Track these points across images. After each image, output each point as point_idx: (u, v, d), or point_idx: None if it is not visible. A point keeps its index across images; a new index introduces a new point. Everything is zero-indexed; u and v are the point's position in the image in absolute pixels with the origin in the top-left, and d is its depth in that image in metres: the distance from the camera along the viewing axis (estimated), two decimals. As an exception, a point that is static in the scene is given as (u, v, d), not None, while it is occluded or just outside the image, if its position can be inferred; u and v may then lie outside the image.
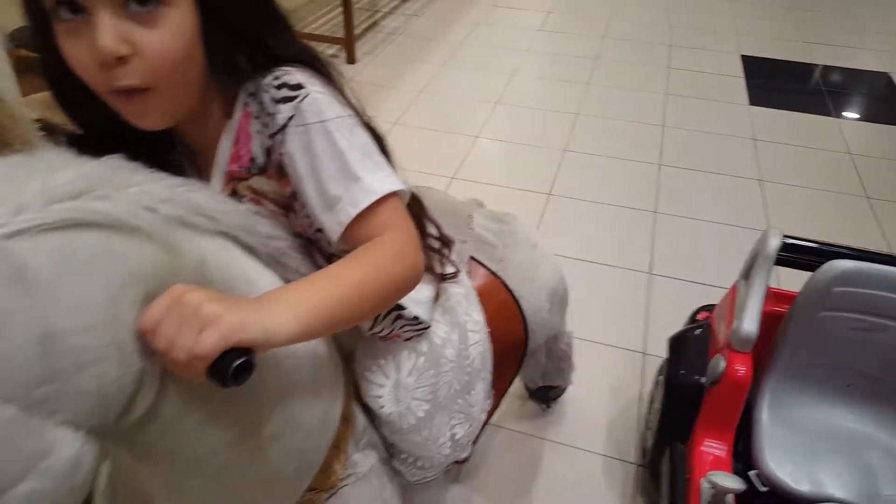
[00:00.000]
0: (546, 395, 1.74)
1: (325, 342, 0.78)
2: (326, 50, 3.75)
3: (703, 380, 1.33)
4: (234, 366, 0.51)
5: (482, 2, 4.62)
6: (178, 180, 0.58)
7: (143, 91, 0.61)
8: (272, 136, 0.67)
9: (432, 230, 0.89)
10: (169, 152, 0.74)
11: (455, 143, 2.88)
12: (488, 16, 4.42)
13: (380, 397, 0.85)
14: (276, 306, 0.55)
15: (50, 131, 0.90)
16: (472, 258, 1.19)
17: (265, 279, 0.65)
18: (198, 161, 0.74)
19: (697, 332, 1.47)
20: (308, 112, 0.65)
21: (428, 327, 0.88)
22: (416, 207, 0.83)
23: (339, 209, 0.65)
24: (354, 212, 0.65)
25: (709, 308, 1.58)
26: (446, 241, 0.92)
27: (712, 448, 1.29)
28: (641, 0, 4.83)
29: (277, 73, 0.66)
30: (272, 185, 0.71)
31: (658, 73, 3.66)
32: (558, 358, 1.58)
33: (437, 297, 0.90)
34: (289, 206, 0.72)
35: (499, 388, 1.23)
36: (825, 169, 2.83)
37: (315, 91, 0.66)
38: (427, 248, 0.88)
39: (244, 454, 0.67)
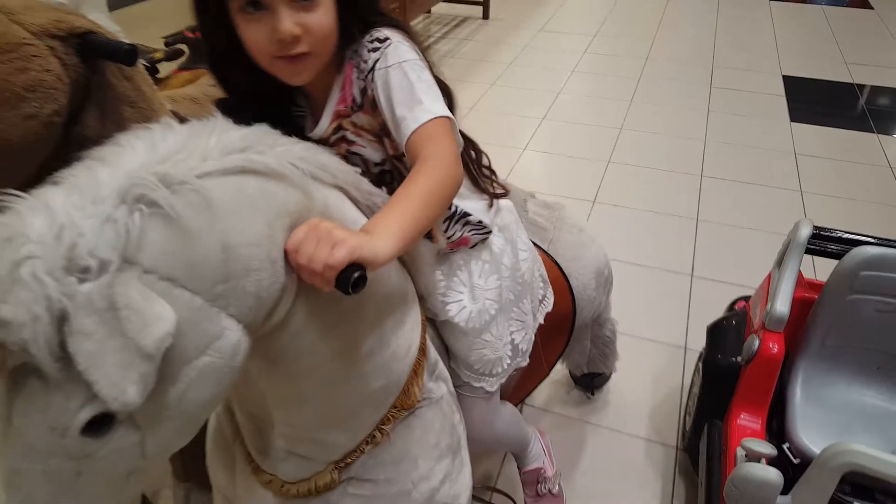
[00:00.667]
0: (591, 383, 1.86)
1: (408, 281, 0.94)
2: (381, 71, 3.98)
3: (739, 359, 1.44)
4: (355, 277, 0.65)
5: (530, 27, 4.82)
6: (309, 144, 0.75)
7: (306, 55, 0.81)
8: (365, 77, 0.85)
9: (484, 160, 1.07)
10: (292, 107, 0.95)
11: (504, 155, 3.05)
12: (536, 40, 4.61)
13: (460, 301, 1.03)
14: (377, 234, 0.69)
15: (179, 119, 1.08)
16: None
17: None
18: (314, 107, 0.93)
19: (734, 318, 1.58)
20: (390, 56, 0.84)
21: (489, 232, 1.06)
22: (470, 143, 1.02)
23: (404, 125, 0.81)
24: (414, 126, 0.81)
25: (745, 298, 1.69)
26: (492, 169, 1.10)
27: (747, 421, 1.39)
28: (684, 23, 4.97)
29: (373, 32, 0.86)
30: (368, 118, 0.88)
31: (700, 92, 3.78)
32: (603, 344, 1.70)
33: (492, 209, 1.07)
34: (381, 134, 0.90)
35: (549, 357, 1.37)
36: (865, 181, 2.89)
37: (396, 41, 0.85)
38: (480, 170, 1.05)
39: (346, 365, 0.81)
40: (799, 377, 1.43)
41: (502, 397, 1.24)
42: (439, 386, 0.99)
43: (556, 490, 1.43)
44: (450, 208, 1.00)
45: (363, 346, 0.81)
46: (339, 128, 0.91)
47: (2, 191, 0.57)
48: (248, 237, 0.63)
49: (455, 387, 1.07)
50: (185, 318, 0.58)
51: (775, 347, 1.36)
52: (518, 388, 1.36)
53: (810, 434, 1.33)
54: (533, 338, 1.17)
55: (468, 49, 4.40)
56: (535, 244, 1.30)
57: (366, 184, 0.83)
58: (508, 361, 1.10)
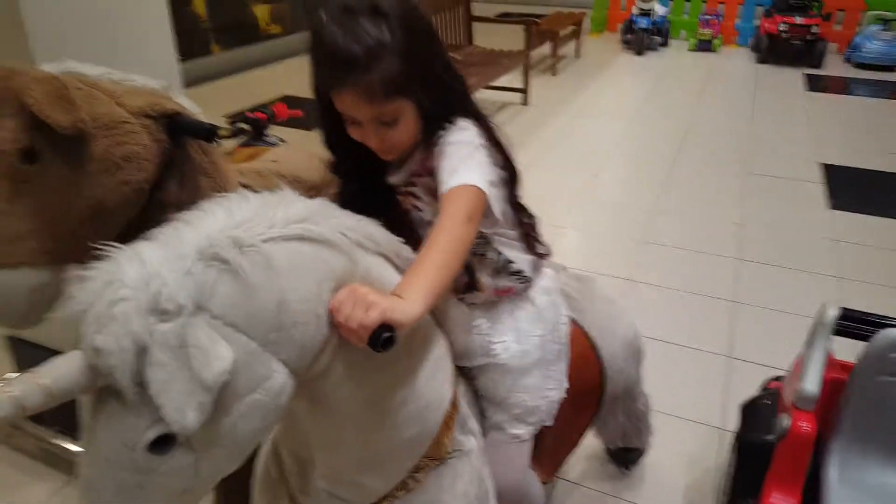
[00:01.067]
0: (625, 458, 1.87)
1: (441, 338, 1.03)
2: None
3: (772, 437, 1.45)
4: (384, 337, 0.75)
5: (567, 112, 5.03)
6: (361, 217, 0.87)
7: (390, 150, 1.02)
8: (435, 149, 1.01)
9: (535, 225, 1.19)
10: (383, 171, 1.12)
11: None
12: (573, 125, 4.79)
13: (505, 341, 1.12)
14: (407, 296, 0.79)
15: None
16: None
17: None
18: (399, 161, 1.09)
19: (767, 397, 1.59)
20: (452, 134, 1.00)
21: (530, 280, 1.16)
22: (522, 208, 1.16)
23: (440, 188, 0.96)
24: (445, 189, 0.95)
25: (779, 379, 1.70)
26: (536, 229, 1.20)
27: (780, 500, 1.38)
28: (719, 110, 5.12)
29: (452, 118, 1.02)
30: (432, 182, 1.03)
31: (735, 176, 3.86)
32: (636, 418, 1.72)
33: (535, 267, 1.18)
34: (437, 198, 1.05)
35: (578, 426, 1.40)
36: (906, 269, 2.88)
37: (462, 126, 1.01)
38: (526, 228, 1.17)
39: (381, 413, 0.90)
40: (832, 458, 1.43)
41: (536, 468, 1.28)
42: (469, 439, 1.06)
43: None
44: (499, 255, 1.12)
45: (397, 395, 0.90)
46: (411, 184, 1.08)
47: (104, 243, 0.69)
48: (300, 295, 0.74)
49: (488, 433, 1.13)
50: (241, 359, 0.68)
51: (806, 426, 1.37)
52: (550, 458, 1.39)
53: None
54: (558, 404, 1.22)
55: (508, 132, 4.57)
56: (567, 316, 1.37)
57: (406, 251, 0.94)
58: (542, 415, 1.16)
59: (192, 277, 0.67)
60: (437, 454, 0.99)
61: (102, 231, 0.99)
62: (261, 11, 6.72)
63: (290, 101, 3.66)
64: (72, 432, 1.86)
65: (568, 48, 6.70)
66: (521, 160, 4.00)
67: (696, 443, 1.97)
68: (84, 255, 1.02)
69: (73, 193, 0.98)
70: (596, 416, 1.45)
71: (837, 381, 1.49)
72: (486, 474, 1.10)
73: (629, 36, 6.96)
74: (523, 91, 5.15)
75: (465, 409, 1.09)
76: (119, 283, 0.65)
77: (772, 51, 6.30)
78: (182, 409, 0.63)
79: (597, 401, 1.42)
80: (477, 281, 1.13)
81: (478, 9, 5.65)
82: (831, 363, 1.52)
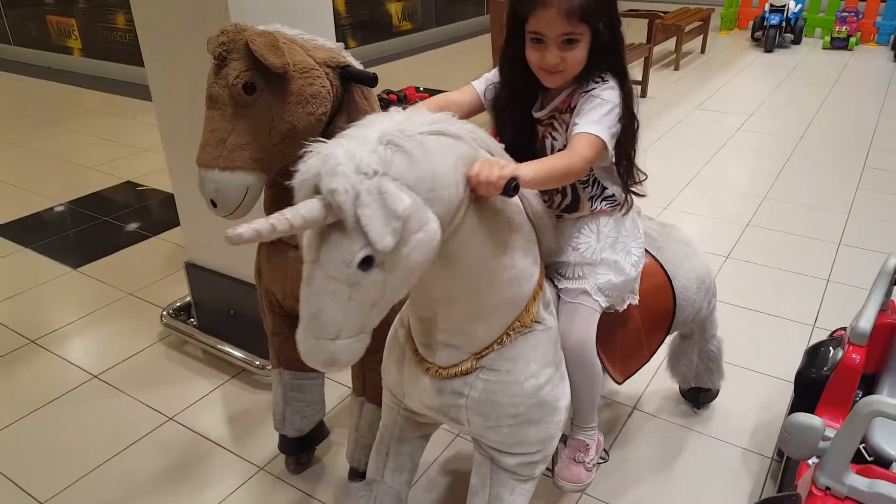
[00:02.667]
0: (697, 397, 2.07)
1: (534, 233, 1.30)
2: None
3: (826, 370, 1.62)
4: (514, 185, 1.04)
5: (686, 105, 5.11)
6: (474, 126, 1.13)
7: (560, 72, 1.27)
8: (582, 94, 1.29)
9: (637, 174, 1.44)
10: (536, 92, 1.39)
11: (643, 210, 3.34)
12: (691, 116, 4.88)
13: (589, 241, 1.44)
14: (525, 167, 1.11)
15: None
16: None
17: None
18: (545, 97, 1.37)
19: (830, 342, 1.76)
20: (598, 90, 1.28)
21: (619, 205, 1.46)
22: (627, 157, 1.39)
23: (574, 129, 1.25)
24: (577, 131, 1.25)
25: (845, 328, 1.85)
26: (640, 171, 1.46)
27: (828, 424, 1.56)
28: (846, 107, 4.99)
29: (605, 74, 1.29)
30: (570, 118, 1.31)
31: (851, 170, 3.83)
32: (708, 358, 1.92)
33: (624, 199, 1.46)
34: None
35: (650, 343, 1.64)
36: None
37: (609, 86, 1.28)
38: (628, 172, 1.42)
39: (490, 272, 1.17)
40: (883, 391, 1.59)
41: (607, 367, 1.53)
42: (551, 319, 1.34)
43: (589, 466, 1.56)
44: (599, 185, 1.42)
45: (502, 260, 1.19)
46: (553, 117, 1.36)
47: (312, 141, 0.99)
48: (445, 167, 1.02)
49: (565, 299, 1.42)
50: (412, 206, 0.94)
51: (856, 357, 1.55)
52: (622, 362, 1.61)
53: (884, 437, 1.48)
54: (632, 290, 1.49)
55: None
56: (646, 251, 1.59)
57: (505, 156, 1.20)
58: (620, 292, 1.45)
59: (376, 154, 0.94)
60: (526, 320, 1.26)
61: (292, 149, 1.32)
62: (394, 9, 7.25)
63: (417, 88, 4.08)
64: (231, 341, 2.27)
65: (694, 44, 6.70)
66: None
67: (769, 393, 2.13)
68: (279, 166, 1.42)
69: (277, 118, 1.38)
70: (667, 335, 1.67)
71: (894, 325, 1.65)
72: (560, 347, 1.36)
73: (759, 33, 6.84)
74: (641, 83, 5.28)
75: (549, 294, 1.36)
76: (333, 156, 0.92)
77: (914, 49, 5.99)
78: (383, 233, 0.90)
79: (667, 323, 1.64)
80: (579, 203, 1.43)
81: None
82: (892, 308, 1.67)
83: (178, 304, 2.51)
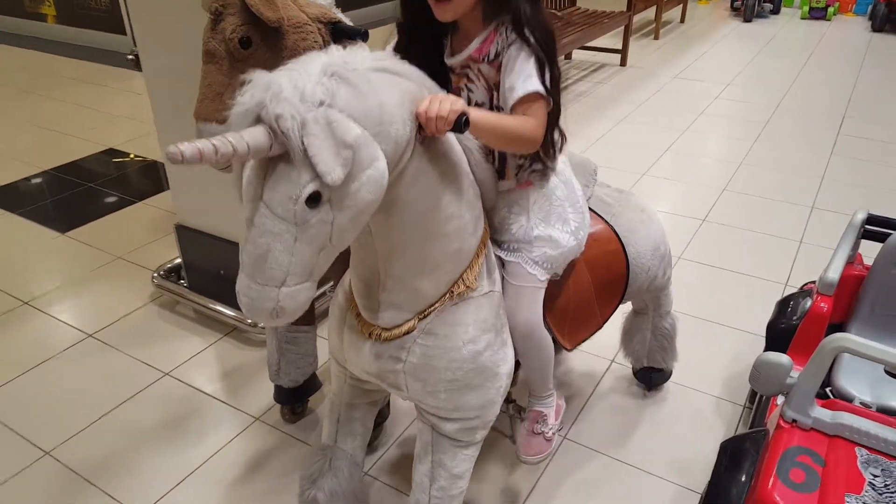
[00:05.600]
0: (650, 378, 2.01)
1: (478, 190, 1.24)
2: (523, 103, 4.50)
3: (795, 319, 1.72)
4: (464, 119, 1.02)
5: (665, 74, 5.18)
6: (420, 70, 1.09)
7: (448, 1, 1.17)
8: (505, 45, 1.20)
9: (556, 135, 1.32)
10: (444, 37, 1.30)
11: (621, 179, 3.42)
12: (669, 85, 4.95)
13: (521, 221, 1.37)
14: (474, 109, 1.08)
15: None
16: (592, 211, 1.56)
17: None
18: (458, 43, 1.28)
19: (799, 295, 1.85)
20: (527, 45, 1.18)
21: (546, 176, 1.35)
22: (556, 115, 1.28)
23: (515, 92, 1.17)
24: (522, 93, 1.16)
25: (815, 281, 1.95)
26: (563, 136, 1.35)
27: (797, 369, 1.66)
28: (821, 80, 5.10)
29: (527, 31, 1.18)
30: (491, 71, 1.23)
31: (825, 137, 3.94)
32: (662, 336, 1.88)
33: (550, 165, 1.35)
34: (493, 87, 1.24)
35: (603, 309, 1.61)
36: None
37: (527, 42, 1.18)
38: (554, 128, 1.30)
39: (435, 222, 1.13)
40: (847, 337, 1.69)
41: (556, 336, 1.48)
42: (493, 285, 1.31)
43: (549, 435, 1.55)
44: (523, 158, 1.33)
45: (447, 209, 1.15)
46: (467, 66, 1.27)
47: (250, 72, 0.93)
48: (392, 102, 0.98)
49: (508, 276, 1.37)
50: (362, 139, 0.91)
51: (824, 306, 1.64)
52: (572, 332, 1.56)
53: (849, 380, 1.58)
54: (570, 258, 1.44)
55: (603, 90, 4.83)
56: (600, 216, 1.59)
57: (450, 97, 1.12)
58: (560, 262, 1.41)
59: (321, 85, 0.90)
60: (469, 279, 1.23)
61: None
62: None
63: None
64: (222, 300, 2.32)
65: (673, 14, 6.75)
66: (614, 115, 4.38)
67: (742, 346, 2.22)
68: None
69: (271, 71, 1.42)
70: (621, 302, 1.64)
71: (859, 277, 1.74)
72: (502, 312, 1.33)
73: (739, 3, 6.90)
74: (621, 52, 5.33)
75: (493, 261, 1.32)
76: (276, 84, 0.88)
77: (889, 19, 6.10)
78: (331, 165, 0.86)
79: (621, 291, 1.62)
80: (505, 169, 1.36)
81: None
82: (858, 261, 1.77)
83: (168, 265, 2.54)
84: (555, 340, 1.48)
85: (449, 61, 1.30)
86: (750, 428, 1.77)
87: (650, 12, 6.16)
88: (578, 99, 4.65)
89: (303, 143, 0.86)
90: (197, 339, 2.30)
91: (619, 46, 5.32)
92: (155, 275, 2.50)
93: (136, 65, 2.24)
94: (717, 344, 2.24)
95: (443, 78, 1.27)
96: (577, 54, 5.53)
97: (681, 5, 6.69)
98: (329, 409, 1.51)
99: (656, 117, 4.33)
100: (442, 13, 1.20)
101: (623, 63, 5.35)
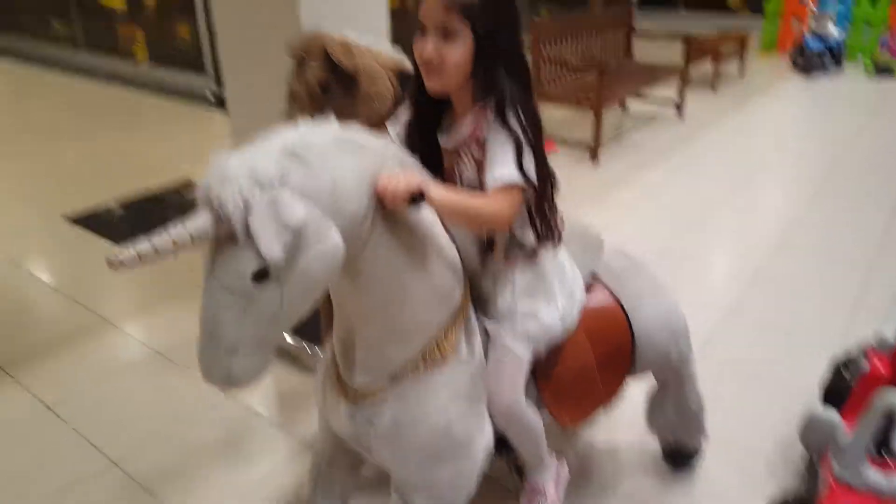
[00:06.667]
0: (676, 459, 1.87)
1: (456, 255, 1.25)
2: (575, 151, 4.59)
3: (851, 379, 1.69)
4: (418, 197, 1.02)
5: (721, 127, 5.18)
6: (392, 144, 1.18)
7: (436, 71, 1.16)
8: (489, 130, 1.19)
9: (552, 211, 1.32)
10: (443, 112, 1.29)
11: (670, 231, 3.45)
12: (726, 138, 4.95)
13: (505, 296, 1.34)
14: (436, 186, 1.07)
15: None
16: (597, 277, 1.53)
17: None
18: (452, 123, 1.27)
19: (855, 354, 1.82)
20: (502, 129, 1.17)
21: (535, 256, 1.34)
22: (544, 198, 1.28)
23: (490, 177, 1.16)
24: (492, 183, 1.16)
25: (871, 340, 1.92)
26: (556, 222, 1.34)
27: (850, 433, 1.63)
28: (884, 137, 5.00)
29: (506, 104, 1.17)
30: (480, 153, 1.22)
31: (886, 198, 3.85)
32: (685, 415, 1.74)
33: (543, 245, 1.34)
34: (480, 166, 1.23)
35: (609, 387, 1.53)
36: None
37: (512, 126, 1.17)
38: (544, 220, 1.30)
39: (403, 289, 1.13)
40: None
41: (553, 414, 1.44)
42: (472, 354, 1.28)
43: None
44: (512, 236, 1.32)
45: (416, 276, 1.15)
46: (459, 148, 1.27)
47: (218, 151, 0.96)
48: (348, 178, 1.01)
49: (491, 350, 1.33)
50: (310, 217, 0.92)
51: (881, 365, 1.62)
52: (573, 408, 1.49)
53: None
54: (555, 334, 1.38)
55: (658, 141, 4.86)
56: (604, 284, 1.54)
57: (421, 171, 1.18)
58: (542, 339, 1.35)
59: (277, 164, 0.94)
60: (444, 347, 1.21)
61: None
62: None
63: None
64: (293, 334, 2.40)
65: (732, 67, 6.76)
66: (668, 166, 4.39)
67: (793, 403, 2.15)
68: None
69: (347, 114, 1.53)
70: (626, 377, 1.55)
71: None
72: (480, 384, 1.29)
73: (799, 58, 6.87)
74: (678, 105, 5.37)
75: (476, 328, 1.30)
76: (225, 166, 0.92)
77: (957, 79, 5.96)
78: (273, 244, 0.88)
79: (627, 364, 1.53)
80: (494, 245, 1.34)
81: (644, 26, 5.95)
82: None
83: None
84: (550, 415, 1.44)
85: (442, 142, 1.30)
86: (801, 487, 1.75)
87: (709, 65, 6.18)
88: (632, 148, 4.70)
89: (246, 224, 0.89)
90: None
91: (676, 98, 5.36)
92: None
93: (216, 103, 2.41)
94: (770, 399, 2.20)
95: (436, 158, 1.30)
96: (633, 105, 5.59)
97: (740, 59, 6.71)
98: (310, 464, 1.51)
99: (711, 170, 4.33)
100: (430, 81, 1.20)
101: (679, 115, 5.38)
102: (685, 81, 5.35)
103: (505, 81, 1.17)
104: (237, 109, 2.36)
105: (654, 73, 5.09)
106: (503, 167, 1.16)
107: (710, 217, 3.63)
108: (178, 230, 0.89)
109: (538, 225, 1.30)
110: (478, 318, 1.34)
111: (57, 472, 1.91)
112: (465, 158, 1.26)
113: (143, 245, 0.87)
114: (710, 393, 1.85)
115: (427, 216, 1.18)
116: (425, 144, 1.29)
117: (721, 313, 2.69)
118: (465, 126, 1.24)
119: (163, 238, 0.88)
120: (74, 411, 2.15)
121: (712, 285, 2.99)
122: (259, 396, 2.22)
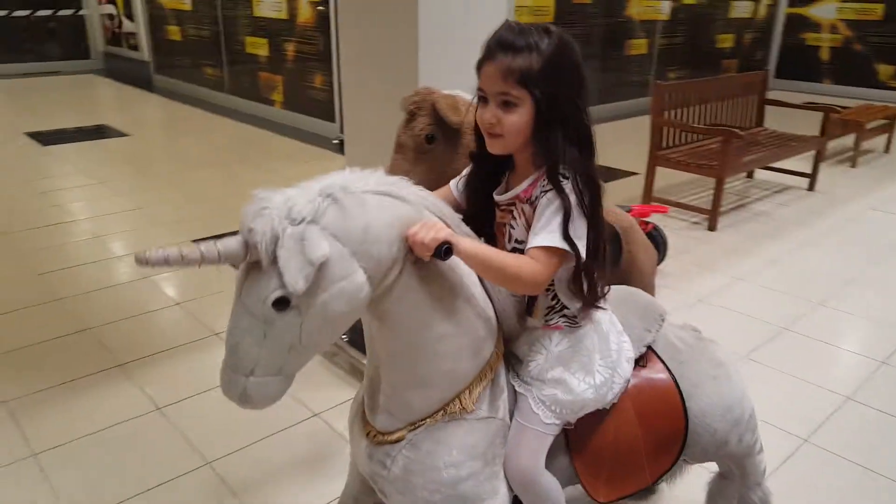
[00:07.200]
0: None
1: (491, 310, 1.25)
2: (693, 216, 4.46)
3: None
4: (445, 248, 1.05)
5: (858, 203, 4.86)
6: (434, 197, 1.16)
7: (498, 135, 1.19)
8: (542, 193, 1.19)
9: (598, 280, 1.27)
10: (504, 171, 1.31)
11: (792, 305, 3.25)
12: (862, 215, 4.64)
13: (538, 360, 1.31)
14: (468, 240, 1.11)
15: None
16: (655, 354, 1.46)
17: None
18: (511, 182, 1.28)
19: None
20: (555, 194, 1.17)
21: (580, 326, 1.30)
22: (591, 267, 1.23)
23: (531, 240, 1.17)
24: (531, 245, 1.17)
25: None
26: (600, 286, 1.28)
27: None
28: None
29: (565, 169, 1.17)
30: (530, 212, 1.22)
31: None
32: None
33: (587, 314, 1.31)
34: (528, 224, 1.22)
35: (654, 469, 1.44)
36: None
37: (568, 189, 1.16)
38: (591, 286, 1.26)
39: (427, 338, 1.14)
40: None
41: (585, 486, 1.38)
42: (496, 412, 1.26)
43: None
44: (555, 300, 1.30)
45: (438, 329, 1.16)
46: (512, 204, 1.27)
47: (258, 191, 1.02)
48: (379, 223, 1.04)
49: (516, 413, 1.30)
50: (336, 255, 0.98)
51: None
52: (610, 484, 1.41)
53: None
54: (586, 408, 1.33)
55: (785, 212, 4.63)
56: (662, 360, 1.46)
57: (465, 226, 1.19)
58: (569, 409, 1.30)
59: (312, 203, 0.99)
60: (466, 402, 1.21)
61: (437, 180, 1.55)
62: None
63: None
64: None
65: (877, 142, 6.33)
66: (794, 238, 4.20)
67: None
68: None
69: (447, 164, 1.64)
70: (676, 461, 1.45)
71: None
72: (499, 444, 1.27)
73: (958, 136, 6.32)
74: (810, 176, 5.09)
75: (504, 387, 1.28)
76: (265, 201, 0.99)
77: None
78: (296, 277, 0.93)
79: (677, 449, 1.44)
80: (534, 307, 1.32)
81: (780, 95, 5.74)
82: None
83: (335, 322, 2.83)
84: (582, 486, 1.38)
85: (498, 198, 1.30)
86: None
87: (848, 139, 5.84)
88: (756, 218, 4.50)
89: (274, 254, 0.95)
90: (347, 388, 2.52)
91: (809, 170, 5.09)
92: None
93: (339, 148, 2.63)
94: (877, 500, 2.01)
95: (489, 212, 1.31)
96: (760, 174, 5.37)
97: (887, 134, 6.27)
98: (341, 496, 1.54)
99: (842, 247, 4.06)
100: (491, 145, 1.23)
101: (811, 188, 5.10)
102: (821, 154, 5.08)
103: (563, 146, 1.17)
104: (352, 152, 2.56)
105: (786, 145, 4.88)
106: (546, 231, 1.17)
107: (837, 295, 3.40)
108: (209, 246, 0.95)
109: (583, 291, 1.26)
110: (508, 379, 1.33)
111: (156, 467, 2.10)
112: (515, 215, 1.27)
113: (171, 250, 0.93)
114: (806, 481, 1.74)
115: (462, 269, 1.19)
116: (481, 199, 1.31)
117: (840, 399, 2.51)
118: (522, 185, 1.25)
119: (192, 249, 0.94)
120: (180, 414, 2.36)
121: (834, 368, 2.79)
122: (345, 420, 2.31)
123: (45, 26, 10.19)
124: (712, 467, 1.65)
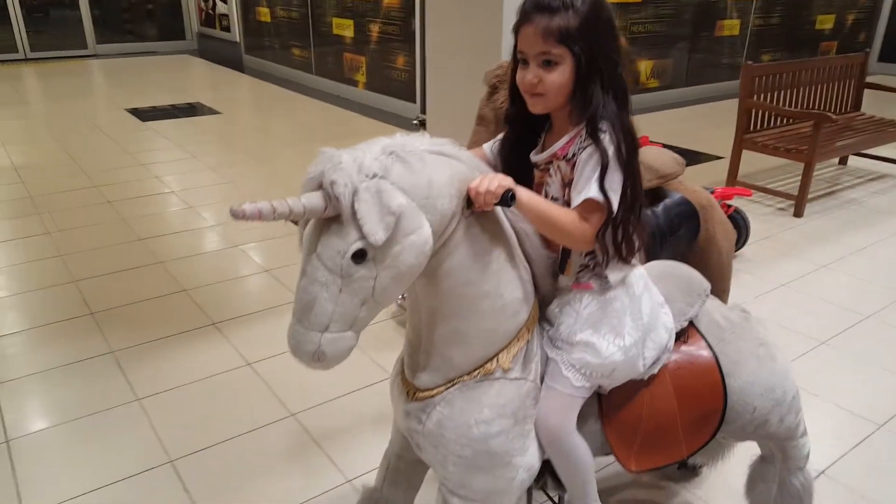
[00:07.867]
0: None
1: (527, 272, 1.28)
2: (779, 201, 4.32)
3: None
4: (510, 195, 1.10)
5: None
6: (478, 159, 1.20)
7: (540, 95, 1.22)
8: (581, 149, 1.22)
9: (634, 234, 1.27)
10: (540, 134, 1.33)
11: (874, 295, 3.13)
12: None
13: (569, 322, 1.32)
14: (525, 190, 1.14)
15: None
16: (697, 329, 1.45)
17: None
18: (548, 141, 1.31)
19: None
20: (595, 149, 1.19)
21: (609, 283, 1.30)
22: (621, 222, 1.23)
23: (576, 197, 1.20)
24: (578, 200, 1.19)
25: None
26: (632, 245, 1.28)
27: None
28: None
29: (602, 122, 1.19)
30: (567, 169, 1.25)
31: None
32: (789, 495, 1.58)
33: (620, 272, 1.31)
34: (566, 184, 1.26)
35: (691, 443, 1.44)
36: None
37: (607, 142, 1.18)
38: (623, 241, 1.26)
39: (472, 295, 1.18)
40: None
41: (616, 453, 1.40)
42: (528, 374, 1.29)
43: None
44: (589, 258, 1.30)
45: (482, 286, 1.20)
46: (550, 163, 1.30)
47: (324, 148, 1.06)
48: (440, 178, 1.09)
49: (546, 375, 1.33)
50: (406, 208, 1.02)
51: None
52: (642, 454, 1.41)
53: None
54: (636, 372, 1.35)
55: (878, 201, 4.41)
56: (704, 337, 1.45)
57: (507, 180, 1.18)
58: (599, 372, 1.32)
59: (378, 160, 1.03)
60: (503, 360, 1.25)
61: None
62: (643, 66, 7.42)
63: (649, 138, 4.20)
64: None
65: None
66: (885, 228, 4.04)
67: None
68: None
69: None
70: (713, 436, 1.44)
71: None
72: (529, 404, 1.29)
73: None
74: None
75: (536, 352, 1.31)
76: (338, 157, 1.03)
77: None
78: (376, 227, 0.98)
79: (715, 426, 1.44)
80: (567, 263, 1.33)
81: (883, 80, 5.45)
82: None
83: (411, 293, 2.94)
84: (614, 455, 1.40)
85: (535, 158, 1.32)
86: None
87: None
88: (846, 206, 4.31)
89: (353, 207, 0.98)
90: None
91: (892, 156, 4.82)
92: (399, 298, 2.91)
93: (418, 128, 2.72)
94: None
95: (527, 175, 1.32)
96: (854, 161, 5.11)
97: None
98: (384, 454, 1.58)
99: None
100: (534, 105, 1.25)
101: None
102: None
103: (601, 98, 1.19)
104: (434, 132, 2.64)
105: (883, 130, 4.62)
106: (588, 185, 1.19)
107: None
108: (295, 201, 0.99)
109: (615, 244, 1.27)
110: (541, 342, 1.35)
111: (246, 415, 2.27)
112: (552, 173, 1.29)
113: (264, 204, 0.97)
114: (877, 465, 1.70)
115: (507, 229, 1.24)
116: (518, 161, 1.33)
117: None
118: (559, 142, 1.27)
119: (282, 203, 0.98)
120: (269, 370, 2.53)
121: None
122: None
123: (144, 8, 10.81)
124: (754, 450, 1.64)
